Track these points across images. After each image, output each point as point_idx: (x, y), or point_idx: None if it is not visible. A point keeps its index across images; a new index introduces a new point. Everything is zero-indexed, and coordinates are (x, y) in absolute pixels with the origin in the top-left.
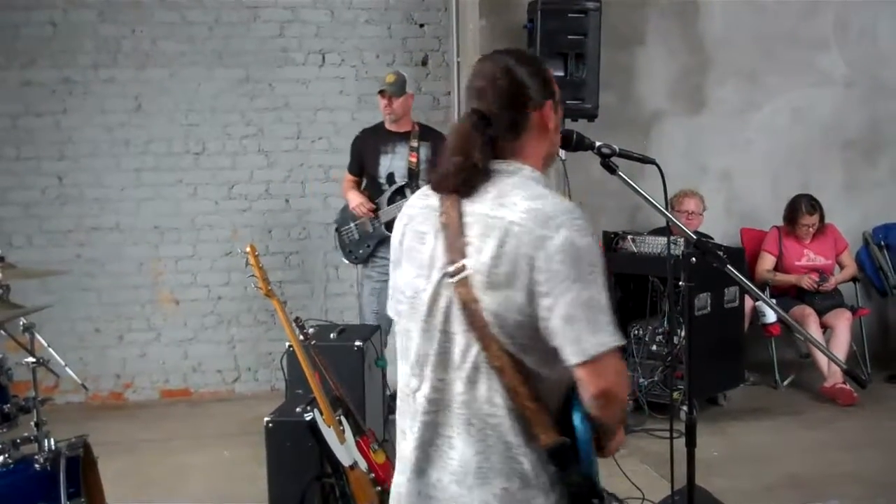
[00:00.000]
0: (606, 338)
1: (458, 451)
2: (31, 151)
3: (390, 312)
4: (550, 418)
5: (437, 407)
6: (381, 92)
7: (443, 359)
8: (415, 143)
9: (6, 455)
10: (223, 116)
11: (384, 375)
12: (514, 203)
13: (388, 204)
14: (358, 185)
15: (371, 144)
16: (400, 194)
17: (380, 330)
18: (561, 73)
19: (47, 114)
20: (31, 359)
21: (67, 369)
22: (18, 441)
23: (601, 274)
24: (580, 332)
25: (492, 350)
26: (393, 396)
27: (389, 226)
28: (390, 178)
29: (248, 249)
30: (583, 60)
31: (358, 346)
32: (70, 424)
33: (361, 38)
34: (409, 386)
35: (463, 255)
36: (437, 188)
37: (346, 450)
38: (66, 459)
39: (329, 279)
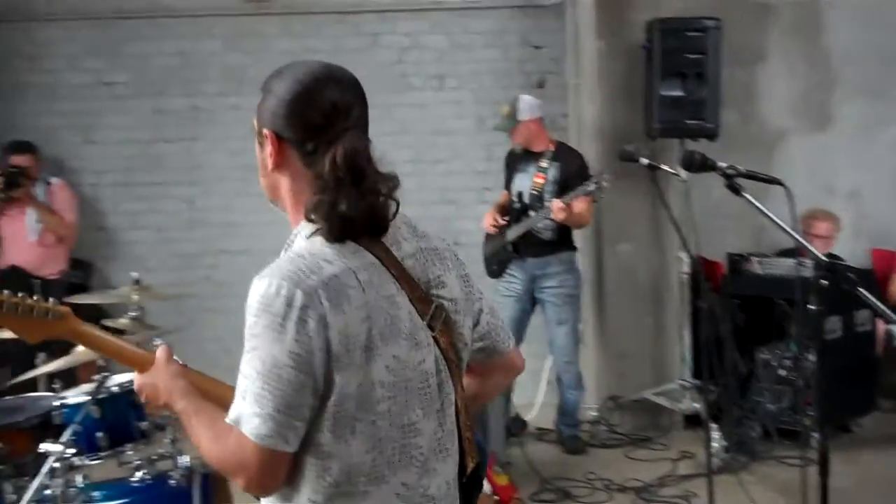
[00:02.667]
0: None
1: None
2: (163, 177)
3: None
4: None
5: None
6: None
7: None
8: (544, 164)
9: (144, 471)
10: None
11: (507, 397)
12: (422, 232)
13: (515, 223)
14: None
15: (512, 164)
16: (525, 214)
17: None
18: (680, 93)
19: (177, 140)
20: None
21: None
22: (154, 458)
23: None
24: (503, 328)
25: (458, 391)
26: (515, 419)
27: (516, 246)
28: (520, 197)
29: None
30: (703, 79)
31: None
32: None
33: (479, 61)
34: (426, 494)
35: (429, 302)
36: (358, 230)
37: None
38: (200, 476)
39: None
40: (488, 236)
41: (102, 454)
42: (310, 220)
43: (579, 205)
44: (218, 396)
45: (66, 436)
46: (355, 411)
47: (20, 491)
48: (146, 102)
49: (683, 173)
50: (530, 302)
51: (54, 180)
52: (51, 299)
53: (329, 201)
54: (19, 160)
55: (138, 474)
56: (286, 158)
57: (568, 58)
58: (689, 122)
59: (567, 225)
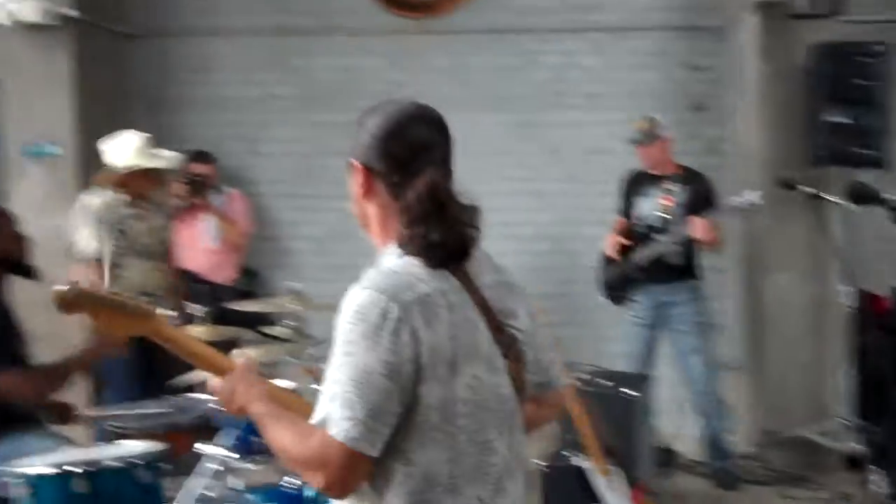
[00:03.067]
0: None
1: None
2: (323, 189)
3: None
4: None
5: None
6: (634, 140)
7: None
8: (670, 186)
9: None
10: (497, 159)
11: (655, 426)
12: (496, 264)
13: (640, 247)
14: (625, 225)
15: (634, 186)
16: (649, 238)
17: (652, 379)
18: (846, 119)
19: (338, 153)
20: (318, 387)
21: None
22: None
23: None
24: (555, 363)
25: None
26: (664, 449)
27: (642, 269)
28: (644, 220)
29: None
30: (871, 106)
31: (630, 395)
32: None
33: (636, 82)
34: None
35: (502, 330)
36: (451, 258)
37: (617, 500)
38: None
39: (601, 323)
40: (609, 261)
41: (258, 458)
42: (405, 252)
43: (718, 225)
44: (293, 406)
45: (224, 438)
46: (438, 422)
47: (179, 489)
48: (309, 116)
49: (849, 204)
50: (657, 329)
51: (230, 190)
52: (142, 298)
53: (421, 233)
54: (200, 169)
55: (290, 479)
56: (374, 189)
57: (729, 80)
58: (854, 149)
59: (702, 247)
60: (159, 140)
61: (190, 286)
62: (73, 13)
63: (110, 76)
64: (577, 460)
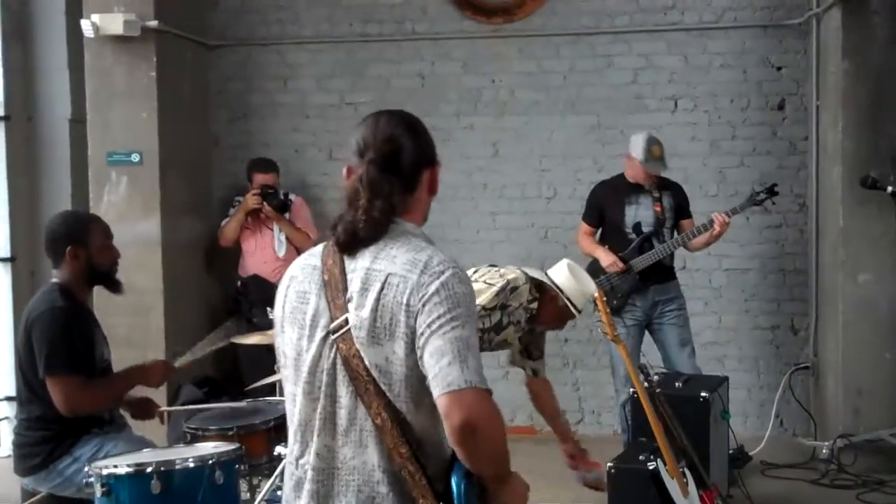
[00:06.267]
0: (472, 376)
1: None
2: None
3: (280, 377)
4: (429, 482)
5: (323, 476)
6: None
7: (328, 423)
8: (657, 194)
9: None
10: (575, 162)
11: (729, 428)
12: (394, 256)
13: (640, 253)
14: (593, 235)
15: (614, 196)
16: (648, 243)
17: (727, 381)
18: None
19: None
20: None
21: None
22: None
23: (475, 322)
24: (446, 365)
25: (373, 408)
26: (739, 451)
27: (642, 274)
28: (637, 227)
29: (595, 294)
30: None
31: (704, 397)
32: None
33: (715, 82)
34: (293, 453)
35: (344, 311)
36: (337, 243)
37: (689, 503)
38: None
39: None
40: (596, 274)
41: None
42: None
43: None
44: None
45: None
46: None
47: (254, 490)
48: None
49: None
50: (645, 327)
51: (293, 197)
52: None
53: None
54: (265, 178)
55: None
56: None
57: (810, 79)
58: None
59: (699, 247)
60: (240, 147)
61: (259, 290)
62: (155, 24)
63: (191, 85)
64: (649, 462)
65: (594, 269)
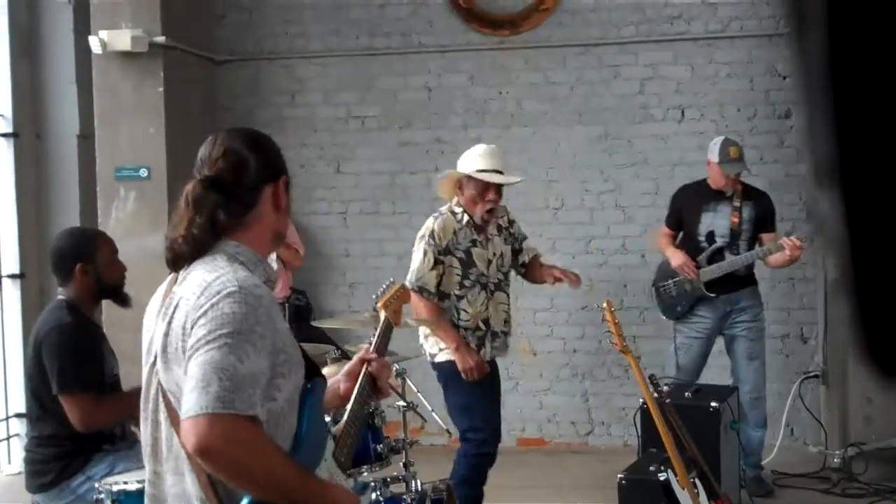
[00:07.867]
0: (210, 402)
1: None
2: (406, 207)
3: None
4: None
5: (155, 502)
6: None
7: (154, 449)
8: (737, 203)
9: (378, 493)
10: (582, 173)
11: (740, 439)
12: (192, 279)
13: (708, 263)
14: (674, 238)
15: (693, 201)
16: (719, 254)
17: (737, 392)
18: None
19: (420, 172)
20: (402, 402)
21: (434, 414)
22: (388, 480)
23: (244, 344)
24: (189, 391)
25: (179, 434)
26: (750, 463)
27: (708, 286)
28: (710, 236)
29: (604, 305)
30: None
31: (714, 407)
32: (433, 466)
33: (722, 91)
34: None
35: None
36: (168, 265)
37: None
38: (431, 501)
39: None
40: (664, 277)
41: (342, 473)
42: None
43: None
44: None
45: None
46: None
47: None
48: (393, 135)
49: None
50: (713, 338)
51: None
52: None
53: None
54: None
55: (372, 496)
56: None
57: None
58: None
59: (777, 265)
60: None
61: None
62: (163, 40)
63: (199, 100)
64: (659, 473)
65: (664, 270)
